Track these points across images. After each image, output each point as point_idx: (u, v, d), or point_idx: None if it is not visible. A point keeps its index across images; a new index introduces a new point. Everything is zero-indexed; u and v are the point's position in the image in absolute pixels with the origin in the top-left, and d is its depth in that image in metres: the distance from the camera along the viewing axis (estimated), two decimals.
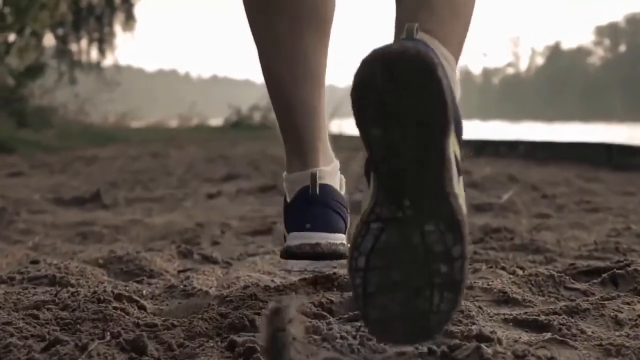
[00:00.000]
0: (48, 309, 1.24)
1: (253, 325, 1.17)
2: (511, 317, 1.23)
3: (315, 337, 1.07)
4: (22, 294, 1.38)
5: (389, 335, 1.05)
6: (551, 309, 1.27)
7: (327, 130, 1.51)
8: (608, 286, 1.46)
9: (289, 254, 1.37)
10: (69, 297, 1.31)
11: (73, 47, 16.35)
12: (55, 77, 13.56)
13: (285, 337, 0.83)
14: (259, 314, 1.21)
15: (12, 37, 9.16)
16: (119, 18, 16.68)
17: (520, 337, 1.12)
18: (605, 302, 1.29)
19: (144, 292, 1.43)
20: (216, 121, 16.65)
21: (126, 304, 1.28)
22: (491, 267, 1.64)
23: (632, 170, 4.88)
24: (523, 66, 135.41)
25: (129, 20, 16.65)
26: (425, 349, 1.03)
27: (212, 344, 1.09)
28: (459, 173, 1.09)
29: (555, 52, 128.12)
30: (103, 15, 16.51)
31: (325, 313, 1.24)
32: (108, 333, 1.10)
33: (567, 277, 1.47)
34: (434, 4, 1.20)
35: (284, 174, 1.48)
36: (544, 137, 9.57)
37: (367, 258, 1.05)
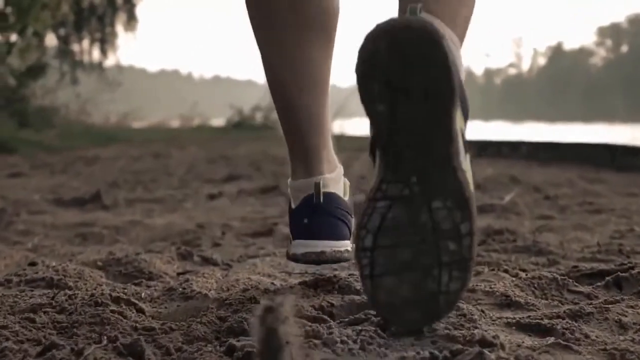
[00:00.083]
0: (45, 312, 1.23)
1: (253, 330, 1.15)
2: (514, 321, 1.21)
3: (315, 341, 1.05)
4: (19, 296, 1.36)
5: (398, 318, 1.04)
6: (554, 312, 1.25)
7: (331, 135, 1.51)
8: (612, 289, 1.44)
9: (295, 261, 1.40)
10: (66, 300, 1.29)
11: (75, 47, 16.36)
12: (57, 77, 13.57)
13: (279, 338, 0.79)
14: None
15: (13, 37, 9.15)
16: (121, 18, 16.69)
17: (523, 342, 1.11)
18: (609, 305, 1.27)
19: (143, 294, 1.42)
20: (218, 121, 16.65)
21: (124, 307, 1.27)
22: (493, 269, 1.63)
23: (635, 171, 4.86)
24: (525, 67, 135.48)
25: (131, 20, 16.66)
26: (427, 354, 1.01)
27: (210, 348, 1.07)
28: (466, 150, 1.07)
29: (557, 53, 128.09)
30: (105, 16, 16.52)
31: (325, 316, 1.23)
32: (105, 337, 1.08)
33: (571, 280, 1.45)
34: None
35: (289, 180, 1.47)
36: (547, 137, 9.56)
37: (375, 237, 1.03)
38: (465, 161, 1.06)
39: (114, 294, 1.32)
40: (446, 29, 1.11)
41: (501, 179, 4.19)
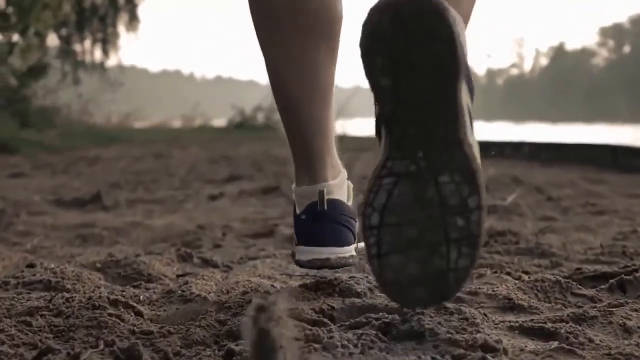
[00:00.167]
0: (41, 316, 1.21)
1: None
2: (517, 324, 1.19)
3: (315, 345, 1.04)
4: (15, 299, 1.34)
5: (405, 297, 1.02)
6: (558, 316, 1.24)
7: (335, 140, 1.50)
8: (616, 292, 1.43)
9: (300, 266, 1.43)
10: (63, 303, 1.28)
11: (77, 47, 16.37)
12: (59, 77, 13.56)
13: (272, 339, 0.74)
14: None
15: (15, 37, 9.15)
16: (123, 18, 16.70)
17: (526, 346, 1.09)
18: (613, 309, 1.26)
19: (141, 297, 1.40)
20: (220, 122, 16.65)
21: (122, 310, 1.25)
22: (496, 272, 1.61)
23: (638, 172, 4.84)
24: (527, 67, 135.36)
25: (133, 20, 16.66)
26: (428, 358, 1.00)
27: (209, 353, 1.06)
28: (472, 126, 1.06)
29: (559, 53, 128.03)
30: (107, 16, 16.52)
31: (326, 320, 1.21)
32: (102, 341, 1.07)
33: (574, 283, 1.43)
34: None
35: (293, 186, 1.47)
36: (549, 138, 9.54)
37: (381, 215, 1.02)
38: (471, 135, 1.04)
39: (112, 297, 1.31)
40: (450, 8, 1.10)
41: (503, 180, 4.17)
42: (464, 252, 0.98)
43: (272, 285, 1.49)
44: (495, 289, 1.38)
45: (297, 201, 1.44)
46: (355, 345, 1.03)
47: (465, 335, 1.07)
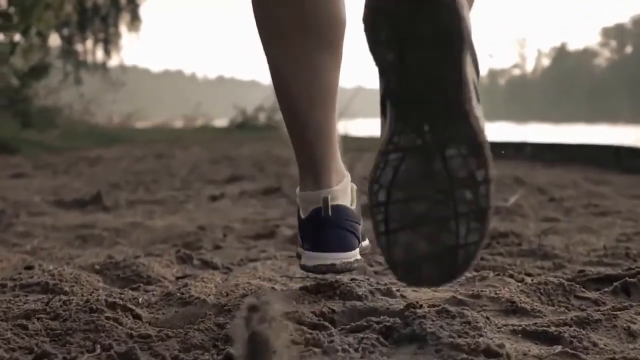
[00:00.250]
0: (38, 319, 1.20)
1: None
2: (520, 328, 1.18)
3: (315, 349, 1.02)
4: (12, 302, 1.33)
5: (414, 277, 1.01)
6: (561, 319, 1.22)
7: (339, 144, 1.49)
8: (620, 295, 1.41)
9: (306, 271, 1.44)
10: (60, 306, 1.26)
11: (78, 47, 16.37)
12: (61, 78, 13.56)
13: (265, 341, 0.72)
14: None
15: (17, 37, 9.14)
16: (125, 18, 16.70)
17: (529, 350, 1.07)
18: (618, 312, 1.24)
19: (140, 300, 1.38)
20: (221, 122, 16.65)
21: (120, 313, 1.24)
22: (499, 274, 1.60)
23: None
24: (529, 67, 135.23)
25: (135, 20, 16.66)
26: None
27: (207, 357, 1.04)
28: (478, 99, 1.05)
29: (561, 54, 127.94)
30: (108, 16, 16.53)
31: (326, 323, 1.20)
32: (99, 345, 1.05)
33: (577, 286, 1.41)
34: None
35: (297, 190, 1.46)
36: (551, 138, 9.52)
37: (388, 191, 1.01)
38: (477, 108, 1.03)
39: (110, 300, 1.29)
40: None
41: (505, 180, 4.15)
42: (473, 227, 0.97)
43: (273, 288, 1.48)
44: (497, 292, 1.37)
45: (302, 205, 1.44)
46: (356, 350, 1.02)
47: (467, 340, 1.06)
